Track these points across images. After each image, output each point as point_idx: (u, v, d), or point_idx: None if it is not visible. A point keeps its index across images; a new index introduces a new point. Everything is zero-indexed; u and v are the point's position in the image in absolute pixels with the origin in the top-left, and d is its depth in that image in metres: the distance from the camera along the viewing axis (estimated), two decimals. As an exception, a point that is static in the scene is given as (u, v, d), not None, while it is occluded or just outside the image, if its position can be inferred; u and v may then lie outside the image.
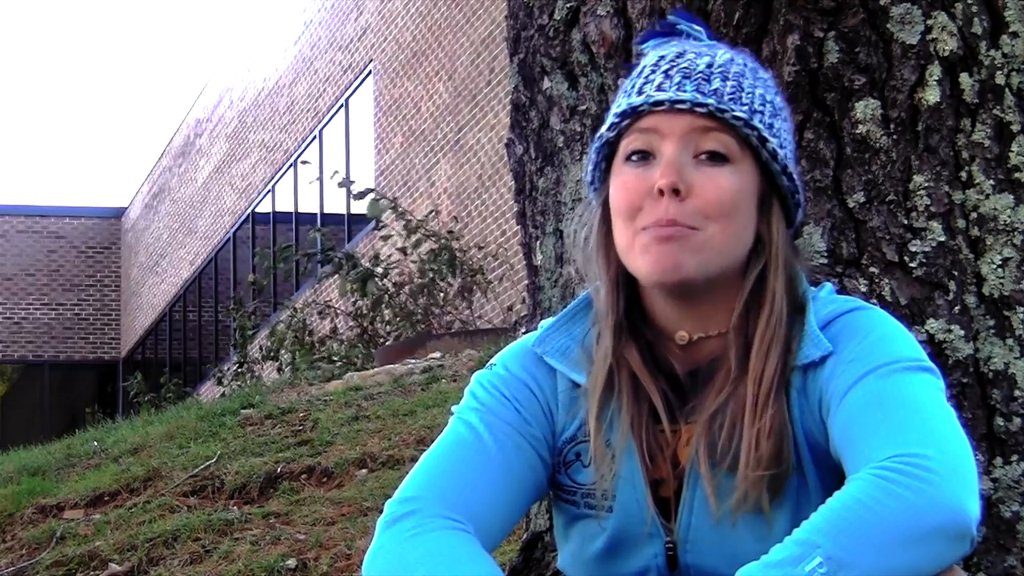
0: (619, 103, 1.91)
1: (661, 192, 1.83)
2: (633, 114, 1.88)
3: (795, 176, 1.91)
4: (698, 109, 1.84)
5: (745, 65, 1.92)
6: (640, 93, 1.88)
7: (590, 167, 1.95)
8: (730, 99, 1.86)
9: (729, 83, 1.87)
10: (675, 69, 1.88)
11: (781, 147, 1.89)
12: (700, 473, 1.86)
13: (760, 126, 1.86)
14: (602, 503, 1.92)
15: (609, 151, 1.92)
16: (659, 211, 1.84)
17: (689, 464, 1.88)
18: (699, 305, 1.89)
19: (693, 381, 1.91)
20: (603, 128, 1.92)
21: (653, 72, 1.89)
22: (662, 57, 1.91)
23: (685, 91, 1.85)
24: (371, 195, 12.64)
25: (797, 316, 1.89)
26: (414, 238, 11.80)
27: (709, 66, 1.88)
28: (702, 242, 1.84)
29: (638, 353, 1.91)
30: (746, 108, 1.86)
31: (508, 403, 1.94)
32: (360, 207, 13.95)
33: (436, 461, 1.90)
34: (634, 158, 1.87)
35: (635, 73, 1.93)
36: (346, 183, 13.25)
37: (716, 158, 1.85)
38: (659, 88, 1.87)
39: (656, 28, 1.98)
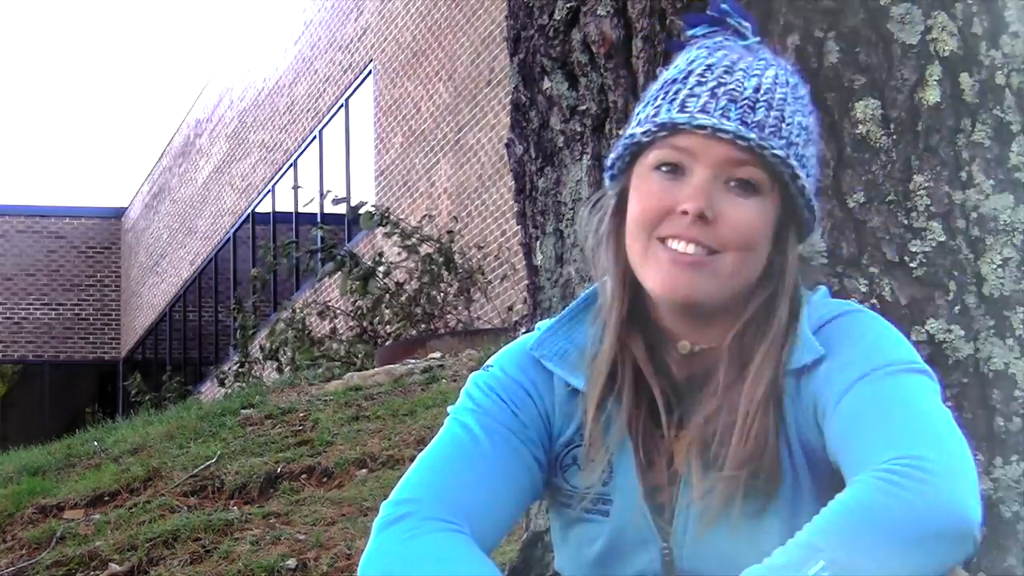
0: (659, 104, 1.88)
1: (685, 212, 1.84)
2: (672, 127, 1.87)
3: (816, 208, 1.91)
4: (739, 141, 1.84)
5: (787, 84, 1.90)
6: (683, 108, 1.86)
7: (613, 155, 1.94)
8: (771, 132, 1.85)
9: (772, 113, 1.86)
10: (723, 89, 1.86)
11: (808, 176, 1.89)
12: (692, 478, 1.86)
13: (795, 163, 1.86)
14: (596, 506, 1.92)
15: (637, 148, 1.91)
16: (681, 225, 1.84)
17: (684, 469, 1.88)
18: (703, 319, 1.89)
19: (689, 387, 1.91)
20: (638, 129, 1.89)
21: (700, 85, 1.87)
22: (710, 68, 1.88)
23: (729, 118, 1.84)
24: (365, 207, 12.66)
25: (791, 321, 1.89)
26: (409, 243, 11.80)
27: (756, 90, 1.86)
28: (717, 270, 1.84)
29: (643, 346, 1.91)
30: (784, 142, 1.85)
31: (505, 406, 1.93)
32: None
33: (432, 462, 1.89)
34: (664, 169, 1.87)
35: (679, 72, 1.90)
36: (341, 201, 13.38)
37: (746, 188, 1.85)
38: (703, 109, 1.85)
39: (707, 13, 1.96)
